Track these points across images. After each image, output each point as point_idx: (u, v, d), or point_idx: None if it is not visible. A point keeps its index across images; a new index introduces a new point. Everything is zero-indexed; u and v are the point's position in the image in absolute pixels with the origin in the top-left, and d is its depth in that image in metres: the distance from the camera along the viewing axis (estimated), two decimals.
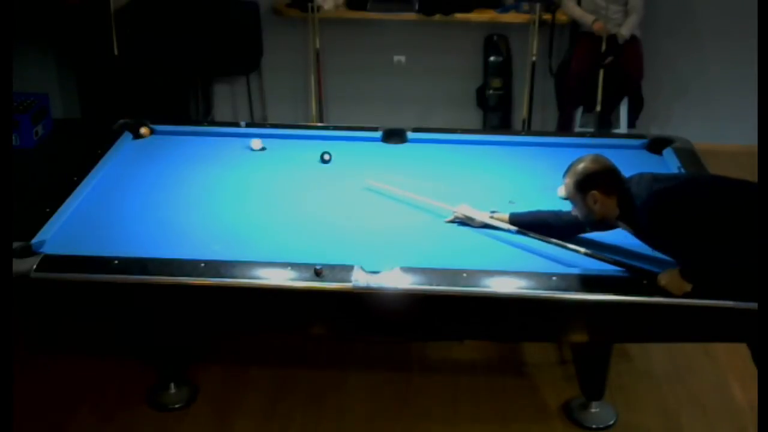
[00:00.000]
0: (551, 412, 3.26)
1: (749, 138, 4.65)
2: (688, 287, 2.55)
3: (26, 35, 5.15)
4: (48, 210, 3.01)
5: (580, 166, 2.74)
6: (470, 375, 3.47)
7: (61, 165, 3.65)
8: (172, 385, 3.30)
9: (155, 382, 3.31)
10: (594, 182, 2.70)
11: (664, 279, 2.58)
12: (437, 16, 5.35)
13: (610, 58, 5.00)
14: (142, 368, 3.40)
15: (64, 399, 3.30)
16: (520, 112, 5.55)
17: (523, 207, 3.16)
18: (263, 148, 3.67)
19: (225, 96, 5.93)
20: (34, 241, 2.82)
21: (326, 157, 3.55)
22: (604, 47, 4.99)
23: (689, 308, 2.56)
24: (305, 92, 5.67)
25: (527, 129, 5.38)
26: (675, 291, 2.55)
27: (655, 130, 5.24)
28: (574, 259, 2.81)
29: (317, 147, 3.62)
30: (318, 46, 5.46)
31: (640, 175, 2.75)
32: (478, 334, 3.06)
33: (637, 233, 2.73)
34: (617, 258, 2.75)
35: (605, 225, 2.79)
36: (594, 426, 3.18)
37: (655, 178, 2.73)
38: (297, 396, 3.34)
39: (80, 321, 3.60)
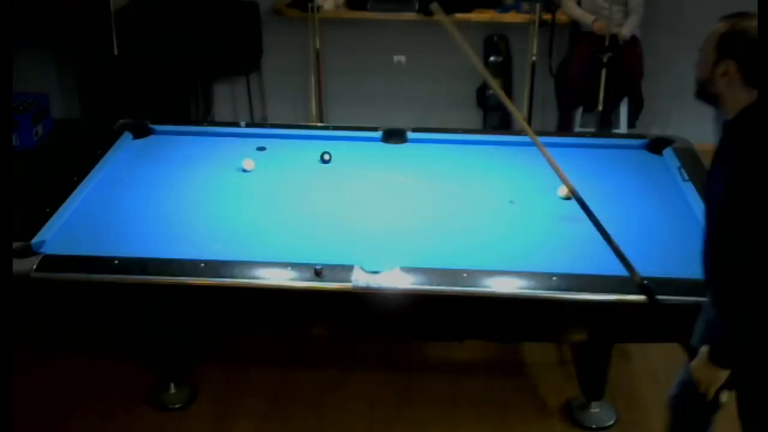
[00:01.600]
0: (551, 412, 3.26)
1: None
2: (723, 375, 2.12)
3: (26, 35, 5.14)
4: (48, 210, 3.02)
5: (744, 21, 2.03)
6: (470, 375, 3.47)
7: (61, 165, 3.65)
8: (172, 385, 3.30)
9: (155, 382, 3.31)
10: (740, 51, 2.01)
11: (698, 372, 2.18)
12: (437, 16, 5.35)
13: (609, 54, 4.99)
14: (142, 368, 3.40)
15: (64, 399, 3.30)
16: (520, 112, 5.55)
17: (523, 207, 3.17)
18: (260, 152, 3.67)
19: (225, 96, 5.93)
20: (34, 241, 2.83)
21: (326, 157, 3.55)
22: (607, 44, 4.99)
23: (689, 308, 2.55)
24: (305, 92, 5.67)
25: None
26: (710, 386, 2.17)
27: (655, 130, 5.24)
28: (574, 259, 2.81)
29: (317, 147, 3.62)
30: (318, 46, 5.46)
31: None
32: (478, 334, 3.06)
33: (718, 151, 2.15)
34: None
35: (716, 106, 2.17)
36: (594, 426, 3.18)
37: None
38: (297, 396, 3.34)
39: (80, 321, 3.60)
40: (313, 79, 5.54)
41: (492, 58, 5.59)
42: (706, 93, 2.15)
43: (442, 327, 2.81)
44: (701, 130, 5.06)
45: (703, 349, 2.14)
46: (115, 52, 5.10)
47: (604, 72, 5.03)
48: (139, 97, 5.17)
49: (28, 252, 2.76)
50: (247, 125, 4.02)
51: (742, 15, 2.06)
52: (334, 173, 3.49)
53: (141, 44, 5.15)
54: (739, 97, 2.05)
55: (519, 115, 2.59)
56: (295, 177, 3.46)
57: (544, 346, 3.60)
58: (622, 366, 3.48)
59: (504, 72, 5.61)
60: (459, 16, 5.36)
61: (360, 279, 2.63)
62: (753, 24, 2.02)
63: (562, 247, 2.92)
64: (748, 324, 2.01)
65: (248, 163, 3.48)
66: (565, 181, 2.50)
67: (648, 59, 5.26)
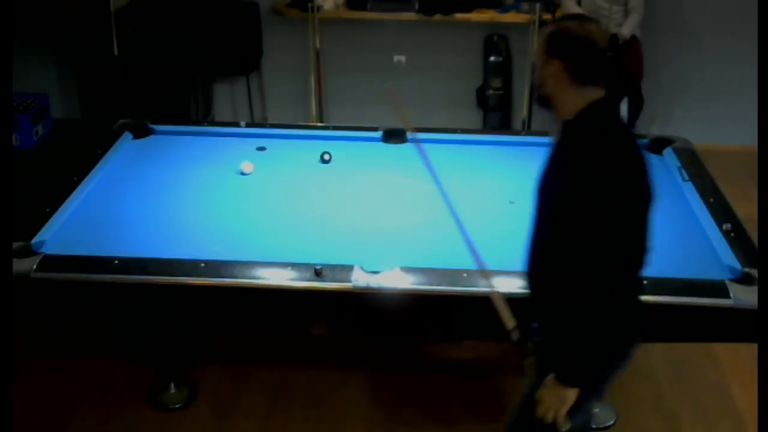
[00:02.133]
0: None
1: (749, 138, 4.65)
2: (571, 395, 2.07)
3: (26, 35, 5.15)
4: (48, 210, 3.01)
5: (569, 21, 2.05)
6: (470, 375, 3.47)
7: (61, 165, 3.65)
8: (172, 385, 3.30)
9: (155, 382, 3.31)
10: (564, 50, 2.00)
11: (541, 395, 2.13)
12: (437, 16, 5.35)
13: (609, 53, 4.98)
14: (142, 368, 3.40)
15: (64, 399, 3.30)
16: (520, 112, 5.56)
17: (523, 207, 3.16)
18: (260, 152, 3.67)
19: (225, 96, 5.93)
20: (34, 241, 2.82)
21: (326, 157, 3.55)
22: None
23: (689, 308, 2.56)
24: (305, 92, 5.67)
25: (527, 129, 5.38)
26: (558, 409, 2.10)
27: (655, 130, 5.24)
28: None
29: (317, 147, 3.62)
30: (318, 46, 5.46)
31: (617, 115, 2.14)
32: (478, 334, 3.06)
33: (554, 152, 2.09)
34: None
35: (550, 108, 2.11)
36: (594, 426, 3.18)
37: (625, 130, 2.13)
38: (297, 396, 3.34)
39: (80, 321, 3.60)
40: (313, 79, 5.54)
41: (492, 58, 5.59)
42: (540, 96, 2.11)
43: (442, 327, 2.81)
44: (701, 130, 5.10)
45: (549, 378, 2.09)
46: (115, 52, 5.10)
47: None
48: (139, 97, 5.17)
49: (28, 252, 2.76)
50: (247, 125, 4.01)
51: (571, 17, 2.06)
52: (334, 173, 3.49)
53: (141, 44, 5.15)
54: (570, 97, 2.03)
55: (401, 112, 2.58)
56: (295, 177, 3.46)
57: None
58: None
59: (504, 72, 5.61)
60: (459, 16, 5.37)
61: (360, 279, 2.63)
62: (577, 24, 2.02)
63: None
64: (591, 329, 1.99)
65: (247, 166, 3.45)
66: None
67: (648, 59, 5.26)
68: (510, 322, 2.23)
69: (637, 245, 2.00)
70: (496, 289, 2.30)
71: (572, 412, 2.13)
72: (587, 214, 1.93)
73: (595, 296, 1.96)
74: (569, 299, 1.99)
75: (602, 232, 1.93)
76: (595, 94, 2.02)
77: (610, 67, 2.04)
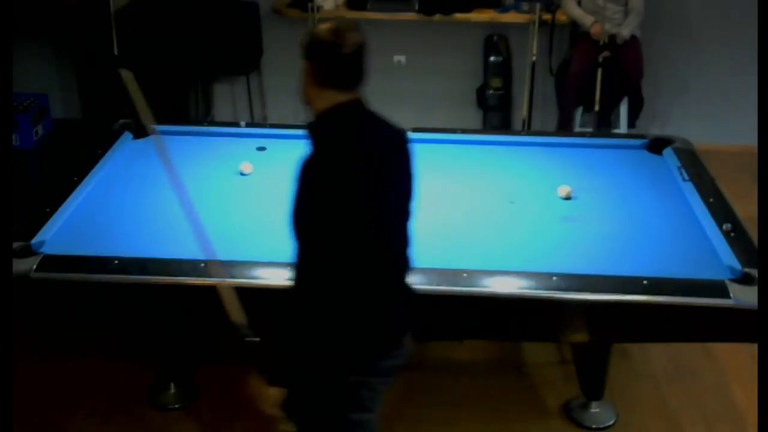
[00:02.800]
0: (551, 412, 3.26)
1: (749, 138, 4.65)
2: (274, 393, 2.19)
3: (26, 35, 5.15)
4: (48, 210, 3.01)
5: (321, 25, 2.12)
6: (470, 375, 3.46)
7: (61, 165, 3.65)
8: (172, 385, 3.30)
9: (155, 382, 3.31)
10: (311, 53, 2.07)
11: (252, 386, 2.23)
12: (437, 16, 5.35)
13: (606, 52, 5.00)
14: (142, 368, 3.40)
15: (64, 399, 3.31)
16: (520, 112, 5.55)
17: (523, 207, 3.16)
18: (260, 152, 3.66)
19: (225, 96, 5.93)
20: (34, 241, 2.82)
21: None
22: (602, 44, 5.00)
23: (689, 308, 2.56)
24: None
25: (527, 129, 5.38)
26: (262, 402, 2.22)
27: (655, 130, 5.24)
28: (574, 259, 2.81)
29: None
30: None
31: (364, 118, 2.13)
32: (478, 334, 3.06)
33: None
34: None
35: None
36: (594, 426, 3.18)
37: (367, 124, 2.12)
38: None
39: (80, 321, 3.59)
40: None
41: (492, 58, 5.59)
42: (302, 97, 2.16)
43: (442, 327, 2.80)
44: (701, 130, 5.10)
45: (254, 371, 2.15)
46: (115, 52, 5.10)
47: (600, 72, 5.04)
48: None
49: (28, 252, 2.75)
50: (247, 125, 4.01)
51: (329, 20, 2.14)
52: None
53: (141, 44, 5.15)
54: (317, 99, 2.09)
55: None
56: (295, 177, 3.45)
57: (544, 346, 3.60)
58: (622, 366, 3.48)
59: (504, 72, 5.61)
60: (459, 16, 5.37)
61: None
62: (328, 29, 2.08)
63: (562, 247, 2.92)
64: (294, 323, 2.09)
65: (246, 167, 3.45)
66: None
67: (648, 59, 5.26)
68: (236, 315, 2.31)
69: (359, 252, 2.04)
70: (224, 281, 2.37)
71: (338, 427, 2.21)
72: (305, 214, 2.08)
73: (302, 296, 2.07)
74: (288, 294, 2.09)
75: (316, 235, 2.05)
76: (341, 98, 2.06)
77: (353, 72, 2.07)
